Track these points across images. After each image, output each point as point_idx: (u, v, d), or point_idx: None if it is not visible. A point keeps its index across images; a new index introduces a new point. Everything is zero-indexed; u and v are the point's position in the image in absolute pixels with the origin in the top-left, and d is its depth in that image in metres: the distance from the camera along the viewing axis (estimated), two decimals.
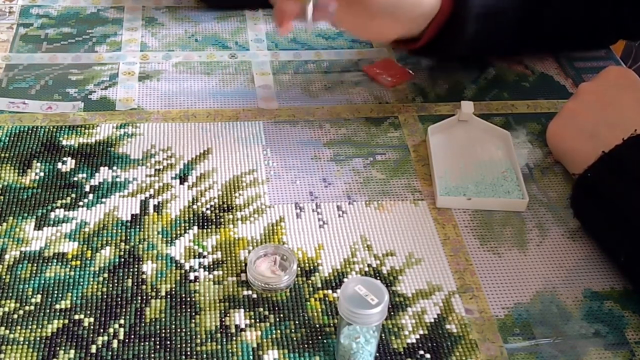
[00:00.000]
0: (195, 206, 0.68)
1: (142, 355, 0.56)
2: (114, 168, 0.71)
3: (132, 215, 0.66)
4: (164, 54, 0.86)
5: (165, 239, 0.64)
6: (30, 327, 0.57)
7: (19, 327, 0.57)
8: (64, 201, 0.67)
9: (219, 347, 0.56)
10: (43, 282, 0.60)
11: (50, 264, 0.62)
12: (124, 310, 0.59)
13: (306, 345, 0.57)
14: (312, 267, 0.63)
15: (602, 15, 0.82)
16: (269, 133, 0.76)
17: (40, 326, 0.57)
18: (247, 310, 0.59)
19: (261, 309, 0.59)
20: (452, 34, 0.76)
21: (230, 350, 0.56)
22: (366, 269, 0.63)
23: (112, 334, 0.57)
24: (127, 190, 0.69)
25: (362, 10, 0.72)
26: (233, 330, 0.58)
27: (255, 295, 0.60)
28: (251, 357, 0.56)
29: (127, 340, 0.56)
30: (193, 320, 0.58)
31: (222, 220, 0.66)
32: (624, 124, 0.66)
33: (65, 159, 0.71)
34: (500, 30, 0.79)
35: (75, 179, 0.69)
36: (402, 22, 0.74)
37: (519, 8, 0.78)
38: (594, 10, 0.81)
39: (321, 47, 0.89)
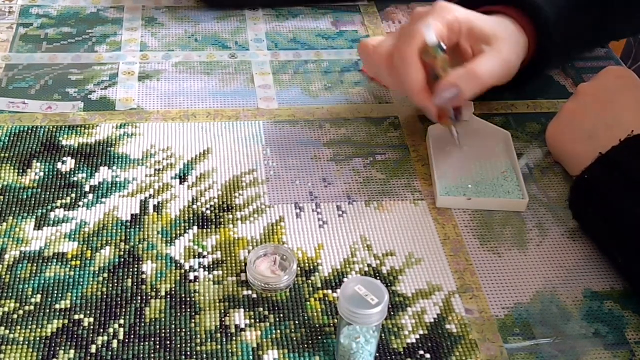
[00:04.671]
0: (195, 206, 0.68)
1: (142, 355, 0.56)
2: (114, 168, 0.71)
3: (132, 215, 0.66)
4: (164, 54, 0.86)
5: (165, 239, 0.64)
6: (30, 327, 0.57)
7: (19, 327, 0.57)
8: (64, 201, 0.67)
9: (219, 347, 0.56)
10: (43, 282, 0.60)
11: (50, 264, 0.62)
12: (124, 310, 0.59)
13: (306, 346, 0.57)
14: (312, 267, 0.63)
15: None
16: (269, 133, 0.76)
17: (40, 326, 0.57)
18: (247, 310, 0.59)
19: (261, 309, 0.59)
20: (540, 64, 0.77)
21: (230, 351, 0.56)
22: (366, 269, 0.63)
23: (112, 334, 0.57)
24: (127, 190, 0.69)
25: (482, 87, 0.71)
26: (233, 331, 0.58)
27: (255, 295, 0.60)
28: (251, 357, 0.56)
29: (127, 341, 0.56)
30: (193, 320, 0.58)
31: (222, 220, 0.66)
32: (622, 125, 0.66)
33: (65, 159, 0.71)
34: (584, 42, 0.81)
35: (75, 179, 0.69)
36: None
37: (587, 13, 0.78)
38: None
39: (321, 47, 0.89)
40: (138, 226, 0.65)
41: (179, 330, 0.57)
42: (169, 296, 0.60)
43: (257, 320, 0.59)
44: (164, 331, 0.57)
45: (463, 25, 0.70)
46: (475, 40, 0.71)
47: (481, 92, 0.69)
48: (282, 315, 0.59)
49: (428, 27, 0.66)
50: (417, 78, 0.68)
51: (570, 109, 0.72)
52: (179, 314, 0.59)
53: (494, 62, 0.69)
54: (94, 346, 0.56)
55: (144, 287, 0.60)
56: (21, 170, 0.70)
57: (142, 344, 0.56)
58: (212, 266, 0.62)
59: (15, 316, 0.58)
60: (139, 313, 0.58)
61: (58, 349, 0.56)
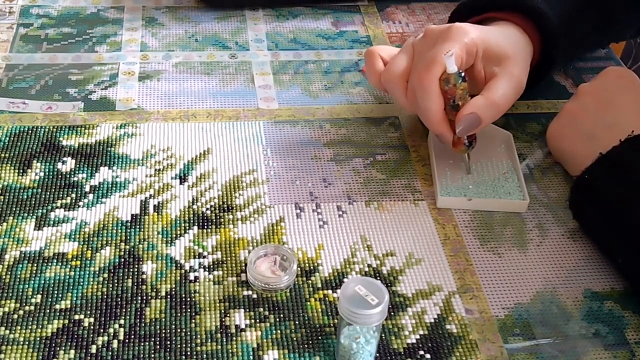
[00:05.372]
0: (195, 206, 0.68)
1: (142, 355, 0.56)
2: (114, 168, 0.71)
3: (132, 215, 0.66)
4: (164, 54, 0.86)
5: (165, 239, 0.64)
6: (30, 327, 0.57)
7: (19, 327, 0.57)
8: (64, 201, 0.67)
9: (219, 347, 0.56)
10: (43, 282, 0.60)
11: (50, 264, 0.62)
12: (124, 310, 0.59)
13: (306, 346, 0.57)
14: (312, 267, 0.63)
15: None
16: (269, 133, 0.76)
17: (40, 326, 0.57)
18: (247, 310, 0.59)
19: (261, 309, 0.59)
20: (544, 70, 0.77)
21: (230, 351, 0.56)
22: (366, 269, 0.63)
23: (112, 334, 0.57)
24: (127, 190, 0.69)
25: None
26: (233, 331, 0.58)
27: (255, 296, 0.60)
28: (251, 357, 0.56)
29: (127, 341, 0.56)
30: (193, 321, 0.58)
31: (222, 220, 0.66)
32: (622, 125, 0.66)
33: (65, 159, 0.71)
34: (584, 44, 0.81)
35: (75, 179, 0.69)
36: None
37: (595, 18, 0.79)
38: None
39: (321, 47, 0.89)
40: (138, 226, 0.65)
41: (179, 330, 0.57)
42: (169, 296, 0.60)
43: (257, 320, 0.59)
44: (164, 331, 0.57)
45: (479, 47, 0.69)
46: (488, 61, 0.70)
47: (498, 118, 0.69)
48: (282, 315, 0.59)
49: (450, 55, 0.65)
50: (437, 108, 0.67)
51: (570, 109, 0.72)
52: (179, 314, 0.59)
53: (508, 87, 0.69)
54: (94, 346, 0.56)
55: (144, 287, 0.60)
56: (21, 170, 0.70)
57: (142, 344, 0.56)
58: (212, 266, 0.62)
59: (15, 316, 0.58)
60: (139, 313, 0.58)
61: (58, 349, 0.56)
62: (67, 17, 0.92)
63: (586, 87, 0.72)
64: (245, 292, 0.61)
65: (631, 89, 0.69)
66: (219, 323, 0.58)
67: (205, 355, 0.56)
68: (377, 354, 0.57)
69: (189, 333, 0.57)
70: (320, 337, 0.58)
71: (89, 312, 0.58)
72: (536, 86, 0.78)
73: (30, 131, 0.74)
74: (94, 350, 0.56)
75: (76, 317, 0.58)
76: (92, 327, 0.57)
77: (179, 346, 0.56)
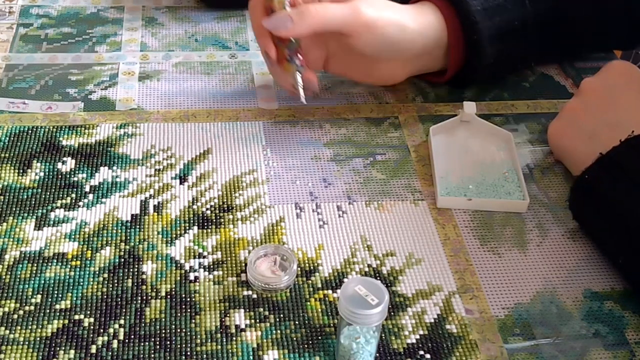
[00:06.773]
0: (195, 206, 0.68)
1: (142, 356, 0.56)
2: (114, 168, 0.71)
3: (132, 215, 0.66)
4: (164, 54, 0.86)
5: (165, 239, 0.64)
6: (30, 327, 0.57)
7: (19, 327, 0.57)
8: (64, 201, 0.67)
9: (219, 347, 0.56)
10: (43, 282, 0.60)
11: (50, 264, 0.62)
12: (124, 310, 0.59)
13: (306, 346, 0.57)
14: (312, 267, 0.63)
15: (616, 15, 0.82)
16: (269, 133, 0.76)
17: (40, 326, 0.57)
18: (247, 310, 0.59)
19: (261, 309, 0.59)
20: (473, 60, 0.77)
21: (230, 351, 0.56)
22: (366, 269, 0.63)
23: (112, 334, 0.57)
24: (127, 190, 0.69)
25: (359, 57, 0.74)
26: (233, 331, 0.58)
27: (255, 296, 0.60)
28: (251, 357, 0.56)
29: (127, 341, 0.56)
30: (193, 321, 0.58)
31: (222, 220, 0.66)
32: (624, 124, 0.65)
33: (65, 159, 0.71)
34: (521, 44, 0.80)
35: (75, 179, 0.69)
36: (404, 61, 0.76)
37: (535, 16, 0.78)
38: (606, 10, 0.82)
39: None
40: (138, 226, 0.65)
41: (179, 330, 0.57)
42: (169, 296, 0.60)
43: (257, 320, 0.59)
44: (164, 331, 0.57)
45: None
46: None
47: (316, 30, 0.70)
48: (282, 315, 0.59)
49: None
50: (257, 18, 0.71)
51: (572, 107, 0.72)
52: (179, 314, 0.59)
53: (340, 11, 0.70)
54: (94, 346, 0.56)
55: (144, 287, 0.60)
56: (21, 170, 0.70)
57: (142, 344, 0.56)
58: (212, 266, 0.62)
59: (15, 316, 0.58)
60: (139, 313, 0.58)
61: (58, 349, 0.56)
62: (67, 17, 0.92)
63: (589, 82, 0.72)
64: (245, 292, 0.61)
65: (634, 87, 0.69)
66: (219, 323, 0.58)
67: (205, 355, 0.56)
68: (377, 354, 0.57)
69: (189, 333, 0.57)
70: (320, 337, 0.58)
71: (89, 312, 0.58)
72: (469, 76, 0.79)
73: (30, 131, 0.74)
74: (94, 350, 0.56)
75: (76, 317, 0.58)
76: (92, 327, 0.57)
77: (179, 346, 0.56)
